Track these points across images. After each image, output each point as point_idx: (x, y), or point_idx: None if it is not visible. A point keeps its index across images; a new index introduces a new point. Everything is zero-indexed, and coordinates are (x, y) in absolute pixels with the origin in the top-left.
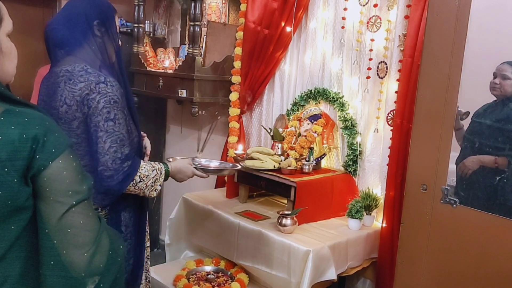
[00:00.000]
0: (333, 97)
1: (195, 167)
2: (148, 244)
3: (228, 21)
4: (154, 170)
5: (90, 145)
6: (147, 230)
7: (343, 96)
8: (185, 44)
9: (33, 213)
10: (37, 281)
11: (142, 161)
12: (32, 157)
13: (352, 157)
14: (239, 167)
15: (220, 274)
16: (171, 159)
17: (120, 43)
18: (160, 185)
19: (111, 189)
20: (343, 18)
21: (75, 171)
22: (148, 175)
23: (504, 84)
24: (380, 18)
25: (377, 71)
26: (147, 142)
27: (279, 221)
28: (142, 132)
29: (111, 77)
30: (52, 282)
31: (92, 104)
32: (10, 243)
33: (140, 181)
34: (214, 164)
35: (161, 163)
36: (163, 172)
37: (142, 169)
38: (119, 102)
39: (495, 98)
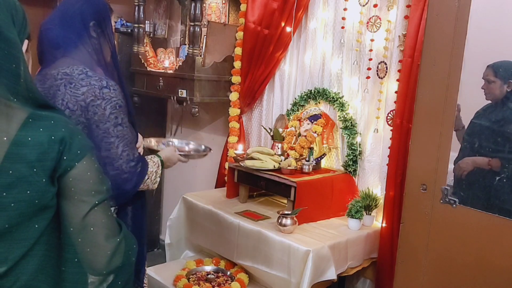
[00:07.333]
0: (333, 97)
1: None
2: None
3: (228, 21)
4: (155, 164)
5: (98, 150)
6: None
7: (343, 96)
8: (185, 44)
9: (55, 212)
10: (53, 278)
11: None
12: (59, 158)
13: (352, 157)
14: (210, 150)
15: (220, 274)
16: (152, 142)
17: (115, 42)
18: (159, 176)
19: (128, 192)
20: (343, 18)
21: (97, 171)
22: (152, 171)
23: (490, 88)
24: (380, 18)
25: (377, 71)
26: (139, 138)
27: (279, 221)
28: None
29: (111, 80)
30: (75, 279)
31: (99, 110)
32: (34, 241)
33: (148, 178)
34: (189, 146)
35: (155, 156)
36: (160, 164)
37: (149, 167)
38: (123, 106)
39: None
